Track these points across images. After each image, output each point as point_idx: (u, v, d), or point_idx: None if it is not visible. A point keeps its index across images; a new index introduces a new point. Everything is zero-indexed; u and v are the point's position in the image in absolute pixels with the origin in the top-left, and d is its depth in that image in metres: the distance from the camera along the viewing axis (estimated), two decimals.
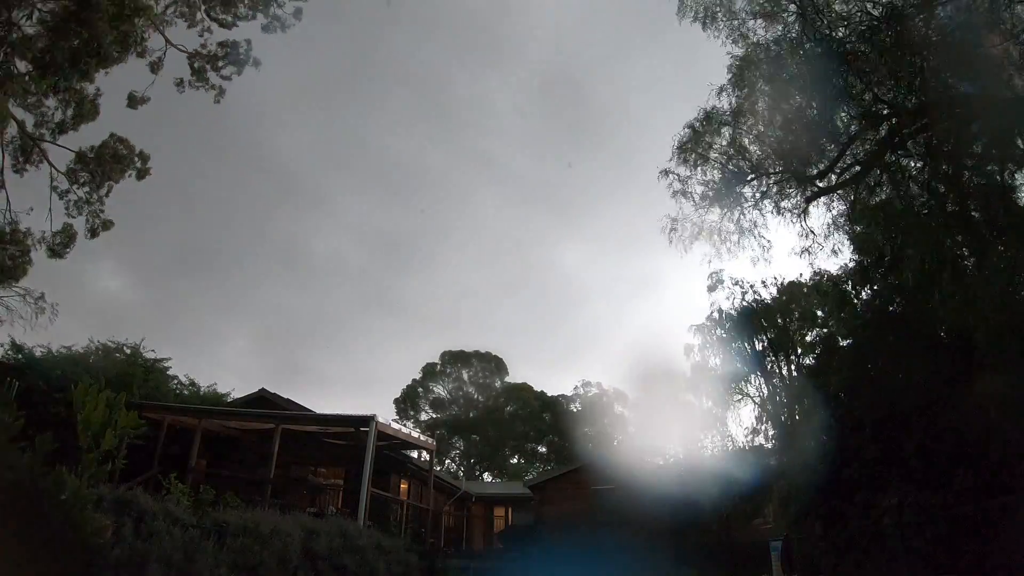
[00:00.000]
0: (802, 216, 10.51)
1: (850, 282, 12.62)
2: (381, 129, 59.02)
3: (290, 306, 63.64)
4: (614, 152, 62.74)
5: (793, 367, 25.17)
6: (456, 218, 68.33)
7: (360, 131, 56.86)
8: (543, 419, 49.46)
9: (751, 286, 26.97)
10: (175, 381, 21.62)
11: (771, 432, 24.05)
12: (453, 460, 49.60)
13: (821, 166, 10.13)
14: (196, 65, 14.58)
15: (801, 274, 25.75)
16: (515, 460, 48.80)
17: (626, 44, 57.47)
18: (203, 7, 14.13)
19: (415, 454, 20.75)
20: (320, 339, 66.10)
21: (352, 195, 61.89)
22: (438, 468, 29.00)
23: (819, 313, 21.67)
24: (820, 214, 10.56)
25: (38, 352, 15.72)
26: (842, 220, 10.30)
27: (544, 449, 50.12)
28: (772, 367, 26.40)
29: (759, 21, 10.24)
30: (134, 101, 14.24)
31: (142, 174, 14.52)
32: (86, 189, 14.11)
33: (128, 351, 19.74)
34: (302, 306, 64.28)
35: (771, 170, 10.80)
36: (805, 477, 12.95)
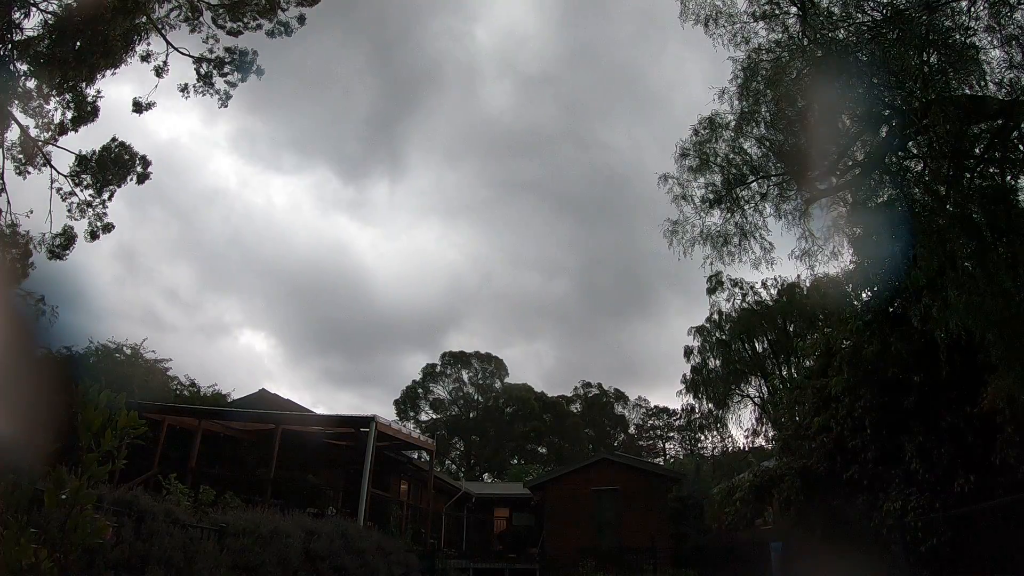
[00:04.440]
0: (802, 218, 10.49)
1: (850, 284, 12.60)
2: None
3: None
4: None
5: (793, 368, 25.18)
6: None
7: None
8: (543, 420, 49.46)
9: (751, 287, 27.02)
10: (175, 382, 21.69)
11: (771, 433, 24.05)
12: (453, 461, 49.61)
13: (822, 168, 10.12)
14: (202, 70, 14.59)
15: (799, 275, 25.82)
16: (515, 461, 48.80)
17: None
18: (208, 14, 14.15)
19: (415, 455, 20.75)
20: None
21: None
22: (438, 469, 28.97)
23: (819, 315, 21.69)
24: (820, 216, 10.54)
25: (38, 353, 15.73)
26: (842, 222, 10.27)
27: (544, 450, 50.12)
28: (772, 368, 26.41)
29: (760, 23, 10.26)
30: (139, 107, 14.28)
31: (142, 178, 14.55)
32: (90, 192, 14.14)
33: (128, 352, 19.79)
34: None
35: (772, 172, 10.80)
36: (805, 479, 12.95)
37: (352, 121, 62.09)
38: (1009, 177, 8.74)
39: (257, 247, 63.09)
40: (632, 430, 54.17)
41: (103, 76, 12.93)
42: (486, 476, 46.46)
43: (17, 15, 12.16)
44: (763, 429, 25.37)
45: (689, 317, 65.34)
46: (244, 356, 61.28)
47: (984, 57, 8.02)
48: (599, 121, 63.94)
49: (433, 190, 67.12)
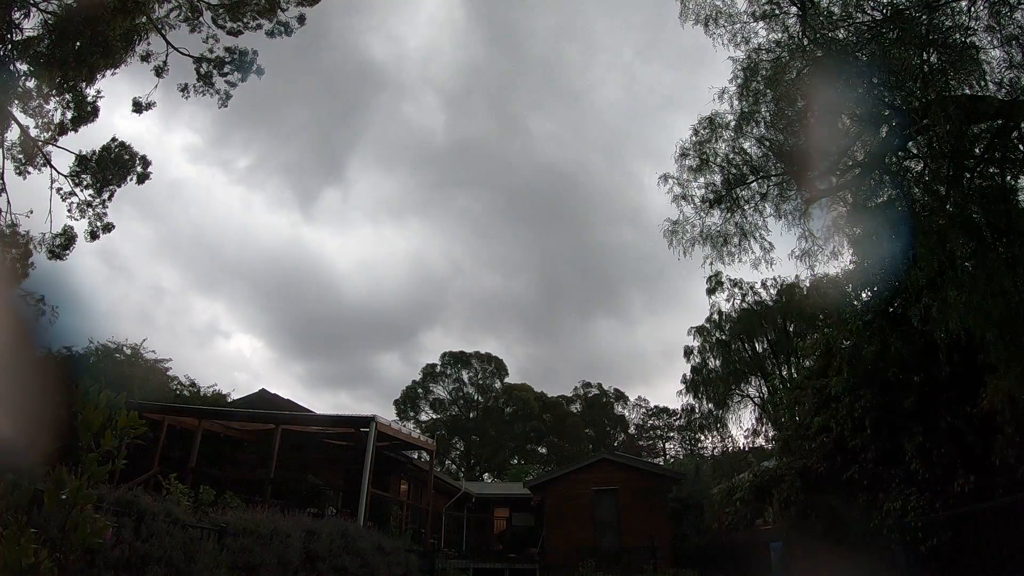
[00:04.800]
0: (802, 218, 10.49)
1: (850, 284, 12.60)
2: None
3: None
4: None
5: (793, 368, 25.18)
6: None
7: None
8: (543, 420, 49.48)
9: (751, 287, 27.04)
10: (175, 382, 21.72)
11: (771, 433, 24.05)
12: (453, 461, 49.63)
13: (822, 168, 10.12)
14: (202, 70, 14.59)
15: (798, 275, 25.81)
16: (515, 461, 48.82)
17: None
18: (208, 15, 14.16)
19: (415, 455, 20.76)
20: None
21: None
22: (438, 469, 28.96)
23: (819, 315, 21.66)
24: (820, 216, 10.54)
25: (38, 353, 15.73)
26: (842, 222, 10.27)
27: (544, 450, 50.14)
28: (772, 369, 26.41)
29: (760, 23, 10.26)
30: (139, 107, 14.26)
31: (142, 178, 14.55)
32: (90, 192, 14.14)
33: (128, 352, 19.81)
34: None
35: (772, 172, 10.81)
36: (805, 479, 12.95)
37: (297, 125, 62.01)
38: (1009, 177, 8.72)
39: (221, 248, 63.25)
40: (632, 430, 54.18)
41: (103, 76, 12.94)
42: (486, 476, 46.46)
43: (17, 15, 12.17)
44: (763, 429, 25.39)
45: (655, 312, 65.72)
46: (227, 357, 61.46)
47: (984, 57, 8.02)
48: (531, 117, 64.42)
49: (393, 192, 67.44)
